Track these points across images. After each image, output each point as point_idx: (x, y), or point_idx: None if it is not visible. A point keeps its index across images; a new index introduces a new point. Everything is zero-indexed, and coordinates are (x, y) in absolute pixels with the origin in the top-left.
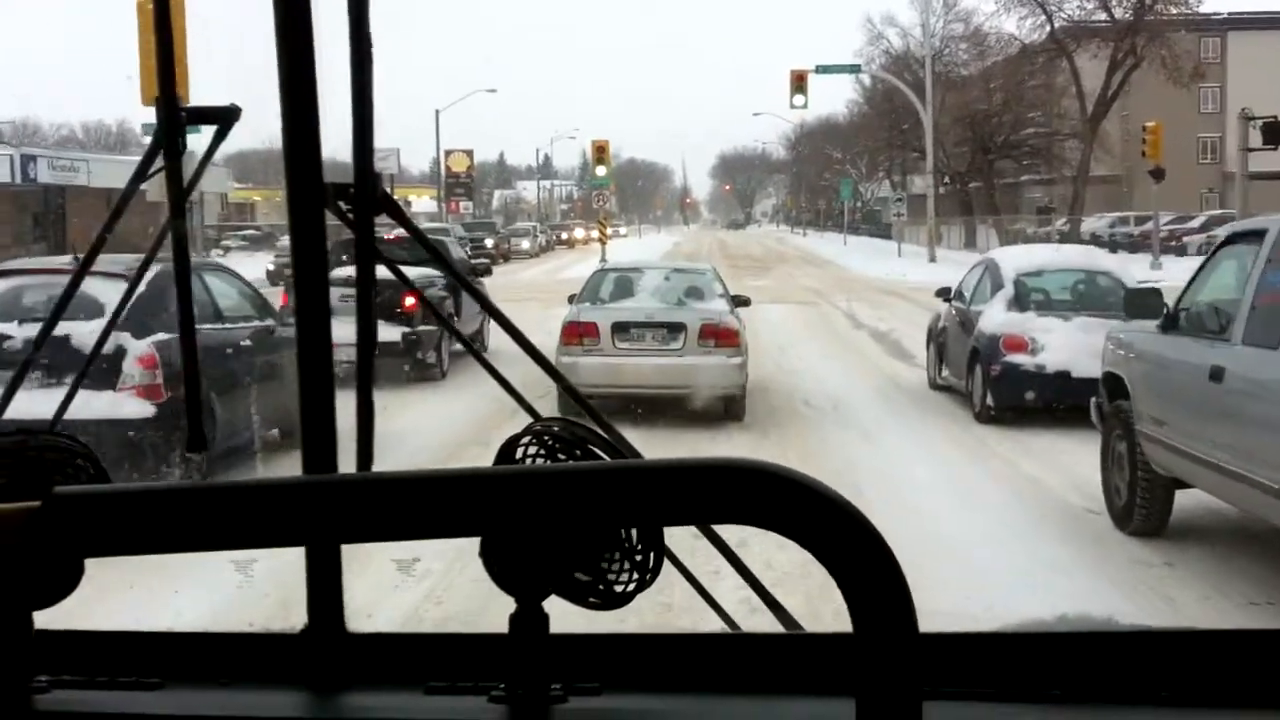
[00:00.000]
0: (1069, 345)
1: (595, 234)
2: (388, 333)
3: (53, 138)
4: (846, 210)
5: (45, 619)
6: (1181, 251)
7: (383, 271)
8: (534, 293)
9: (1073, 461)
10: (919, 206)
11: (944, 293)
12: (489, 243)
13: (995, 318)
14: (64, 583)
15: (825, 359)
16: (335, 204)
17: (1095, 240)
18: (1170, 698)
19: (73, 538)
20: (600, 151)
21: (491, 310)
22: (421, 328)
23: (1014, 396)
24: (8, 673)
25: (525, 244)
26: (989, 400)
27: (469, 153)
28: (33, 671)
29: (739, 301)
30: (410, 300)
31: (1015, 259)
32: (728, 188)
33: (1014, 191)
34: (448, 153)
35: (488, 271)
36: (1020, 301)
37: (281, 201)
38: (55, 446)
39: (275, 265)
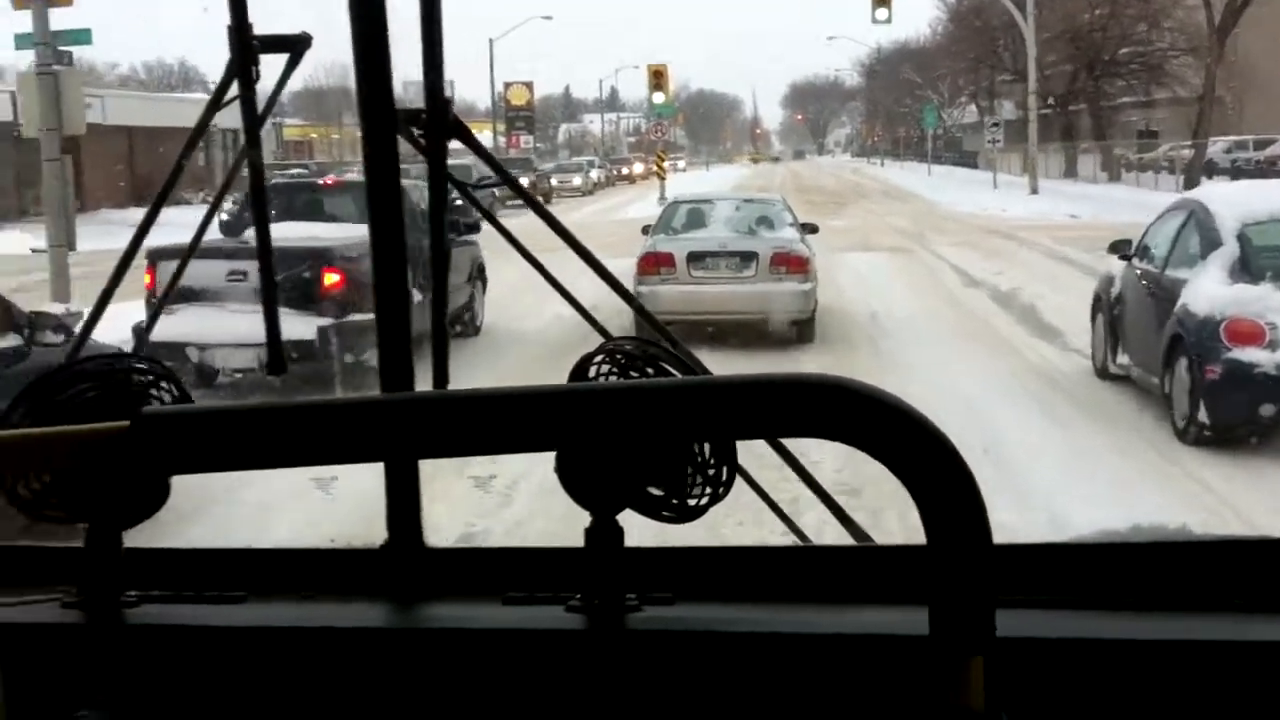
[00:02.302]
0: None
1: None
2: (297, 327)
3: (108, 77)
4: (930, 138)
5: (133, 538)
6: None
7: (283, 237)
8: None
9: None
10: (1010, 133)
11: (1121, 248)
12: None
13: (1211, 291)
14: (151, 501)
15: (939, 338)
16: (408, 130)
17: (1212, 168)
18: (1245, 605)
19: (160, 456)
20: (658, 77)
21: (565, 236)
22: (352, 317)
23: (1241, 410)
24: (99, 588)
25: (576, 180)
26: (1202, 414)
27: (529, 85)
28: (122, 587)
29: (806, 228)
30: (334, 278)
31: (1235, 201)
32: (799, 117)
33: (1109, 115)
34: (506, 85)
35: (476, 228)
36: (1249, 267)
37: (339, 138)
38: (140, 369)
39: (229, 215)
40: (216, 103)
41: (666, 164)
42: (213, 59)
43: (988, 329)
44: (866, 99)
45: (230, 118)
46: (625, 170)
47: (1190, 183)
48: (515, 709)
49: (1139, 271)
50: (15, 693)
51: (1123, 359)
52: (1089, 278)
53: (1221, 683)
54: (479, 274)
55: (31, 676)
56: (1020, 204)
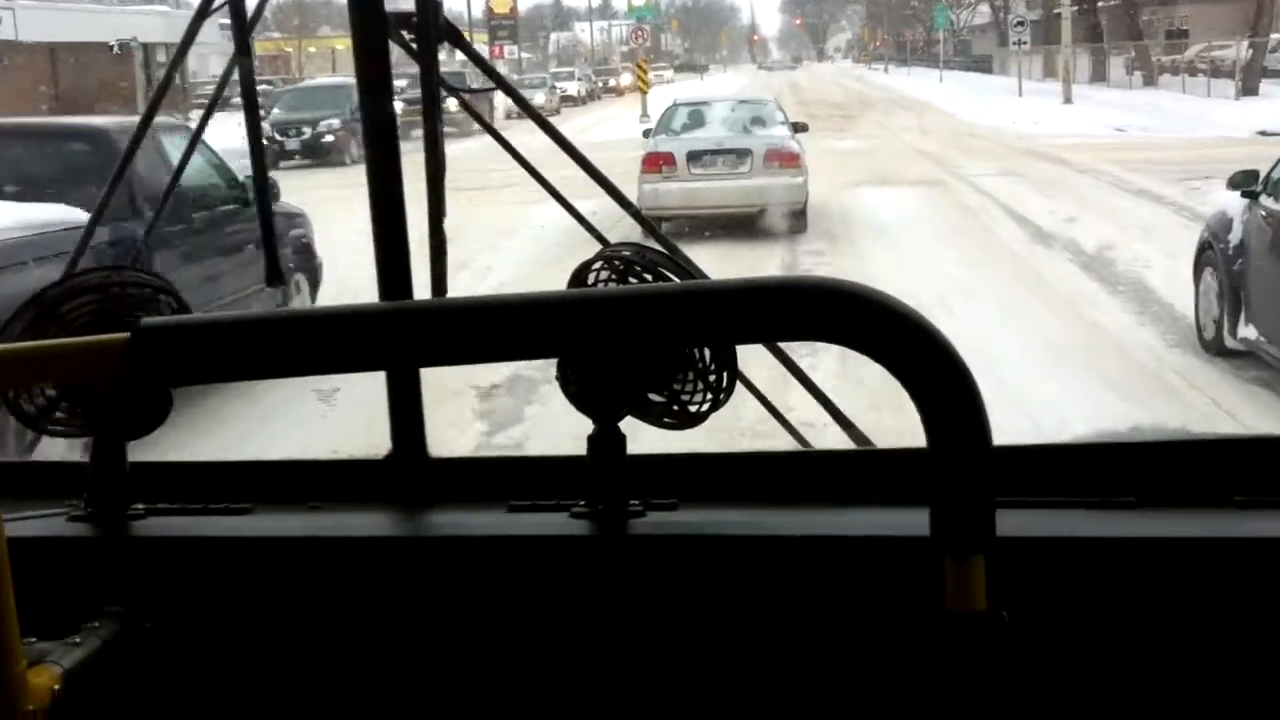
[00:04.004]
0: None
1: (655, 77)
2: None
3: None
4: (943, 41)
5: (139, 453)
6: None
7: None
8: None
9: None
10: (1030, 34)
11: (1247, 180)
12: (452, 105)
13: None
14: (154, 414)
15: (1051, 373)
16: (399, 34)
17: (1267, 72)
18: (1244, 502)
19: (162, 367)
20: None
21: (563, 143)
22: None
23: None
24: (106, 501)
25: (539, 98)
26: None
27: None
28: (129, 500)
29: (797, 128)
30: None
31: None
32: (798, 21)
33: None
34: None
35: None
36: None
37: (316, 52)
38: (138, 282)
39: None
40: (205, 10)
41: (650, 75)
42: None
43: (1114, 338)
44: (869, 0)
45: (156, 31)
46: (612, 82)
47: (1249, 88)
48: (520, 614)
49: (1269, 213)
50: (26, 606)
51: (1247, 331)
52: (1194, 225)
53: (1219, 579)
54: (306, 263)
55: (41, 589)
56: (1054, 116)
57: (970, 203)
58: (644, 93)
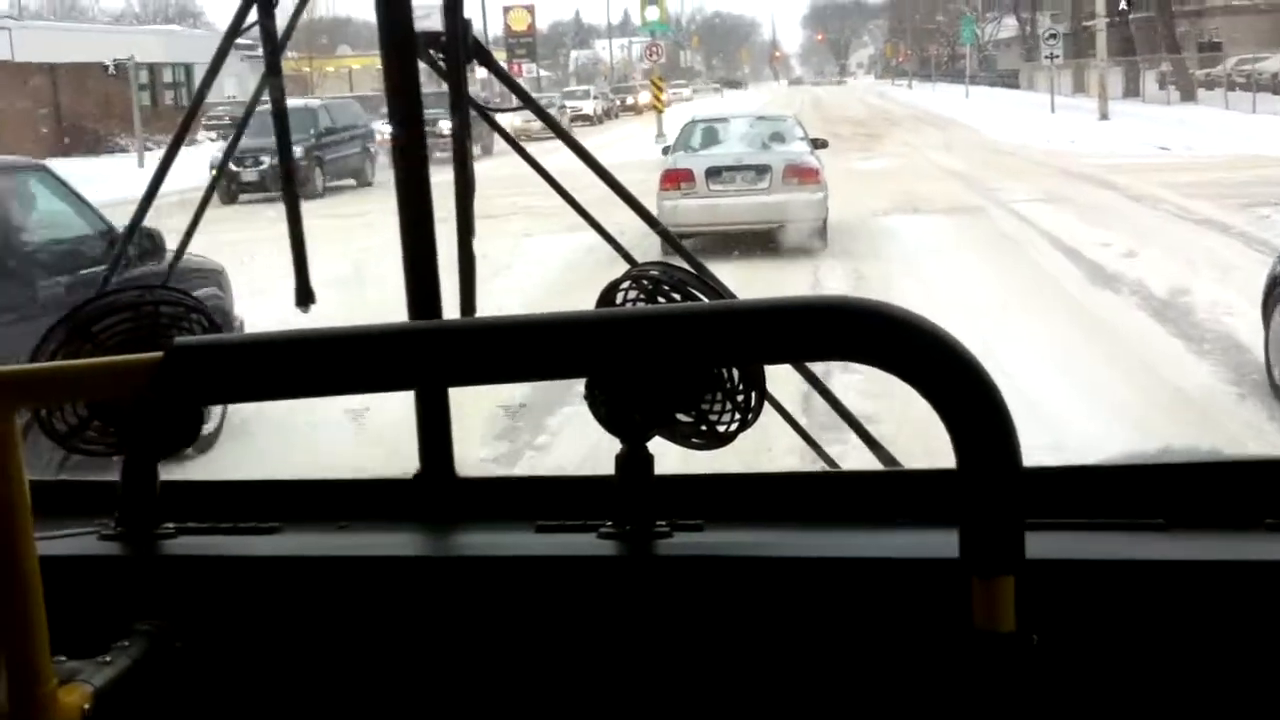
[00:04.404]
0: None
1: (673, 95)
2: None
3: (91, 10)
4: (969, 56)
5: (169, 472)
6: None
7: None
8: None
9: None
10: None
11: None
12: (444, 126)
13: None
14: (186, 433)
15: (1112, 449)
16: (428, 53)
17: None
18: (1275, 524)
19: (195, 386)
20: None
21: (590, 161)
22: None
23: None
24: (137, 520)
25: (516, 121)
26: None
27: (530, 8)
28: (159, 519)
29: (817, 144)
30: None
31: None
32: (820, 37)
33: (1150, 27)
34: (506, 9)
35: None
36: None
37: (333, 71)
38: (170, 300)
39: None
40: (236, 29)
41: (667, 94)
42: None
43: (1208, 414)
44: (892, 15)
45: (158, 51)
46: (631, 100)
47: None
48: (548, 634)
49: None
50: (57, 624)
51: None
52: (1266, 257)
53: (1249, 602)
54: (214, 329)
55: (72, 607)
56: (1091, 133)
57: (1010, 229)
58: (659, 111)
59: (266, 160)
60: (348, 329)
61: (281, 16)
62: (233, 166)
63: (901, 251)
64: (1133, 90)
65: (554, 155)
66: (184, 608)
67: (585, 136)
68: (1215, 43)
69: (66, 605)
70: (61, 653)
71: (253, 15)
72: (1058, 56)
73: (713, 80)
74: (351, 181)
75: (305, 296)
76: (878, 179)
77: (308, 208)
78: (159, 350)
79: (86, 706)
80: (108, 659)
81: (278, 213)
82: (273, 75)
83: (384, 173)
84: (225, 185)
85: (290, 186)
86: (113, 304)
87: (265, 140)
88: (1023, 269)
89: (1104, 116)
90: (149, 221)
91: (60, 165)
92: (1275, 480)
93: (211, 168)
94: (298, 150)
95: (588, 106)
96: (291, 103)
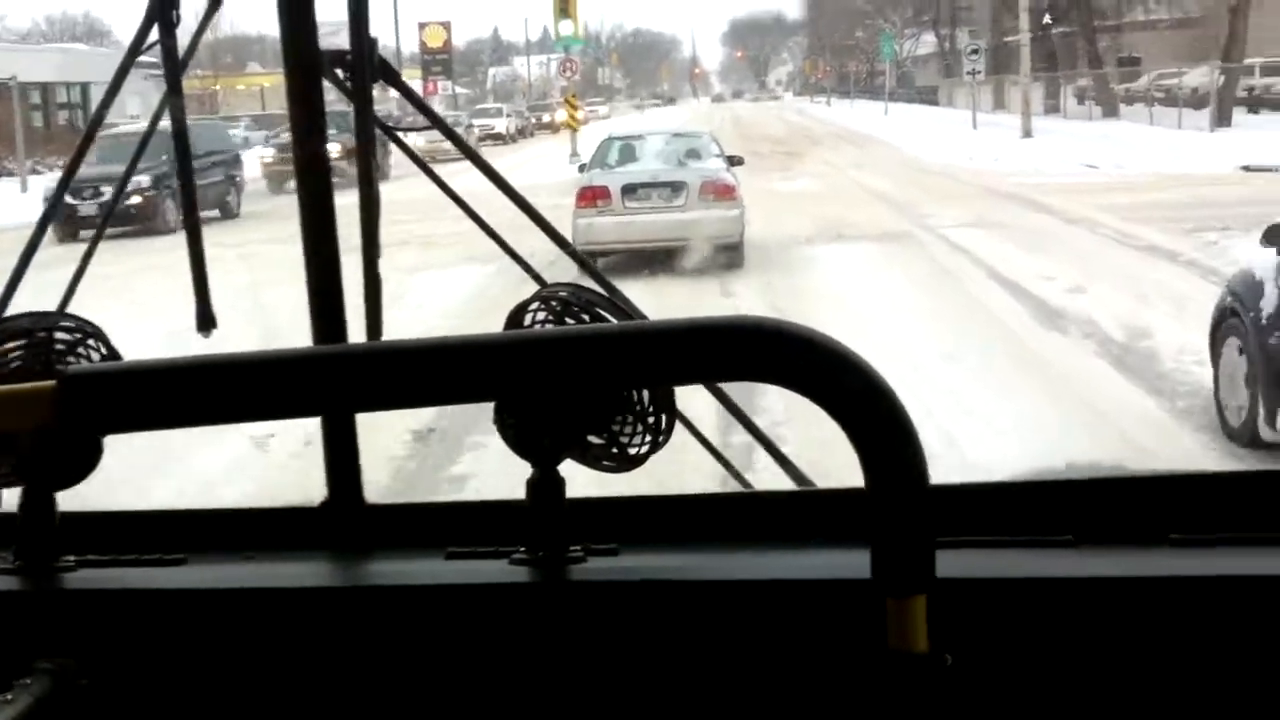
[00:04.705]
0: None
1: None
2: None
3: None
4: (889, 72)
5: (69, 502)
6: None
7: None
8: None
9: None
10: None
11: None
12: (333, 149)
13: None
14: (84, 463)
15: None
16: (332, 72)
17: (1254, 97)
18: (1181, 540)
19: (90, 415)
20: (564, 2)
21: (499, 182)
22: None
23: None
24: (35, 553)
25: (420, 142)
26: None
27: (446, 25)
28: (58, 551)
29: (733, 160)
30: None
31: None
32: (740, 54)
33: (1073, 41)
34: (421, 25)
35: None
36: None
37: (244, 89)
38: (66, 327)
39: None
40: (136, 49)
41: (583, 111)
42: (116, 11)
43: None
44: (811, 32)
45: (49, 70)
46: (547, 118)
47: (1222, 117)
48: (460, 664)
49: None
50: None
51: None
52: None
53: (1156, 618)
54: None
55: None
56: (1015, 151)
57: (948, 263)
58: (574, 130)
59: (108, 192)
60: (250, 354)
61: (184, 35)
62: (69, 199)
63: (827, 285)
64: (1054, 106)
65: (461, 177)
66: (87, 643)
67: (497, 156)
68: (1134, 57)
69: None
70: None
71: (154, 35)
72: (979, 72)
73: (638, 97)
74: (215, 213)
75: (206, 321)
76: (799, 201)
77: (158, 245)
78: (53, 378)
79: None
80: (8, 697)
81: (107, 256)
82: (174, 95)
83: (258, 202)
84: (62, 222)
85: (191, 209)
86: (5, 330)
87: (107, 168)
88: (961, 307)
89: (1027, 134)
90: None
91: None
92: (1179, 495)
93: (45, 199)
94: (144, 180)
95: (500, 125)
96: (139, 127)
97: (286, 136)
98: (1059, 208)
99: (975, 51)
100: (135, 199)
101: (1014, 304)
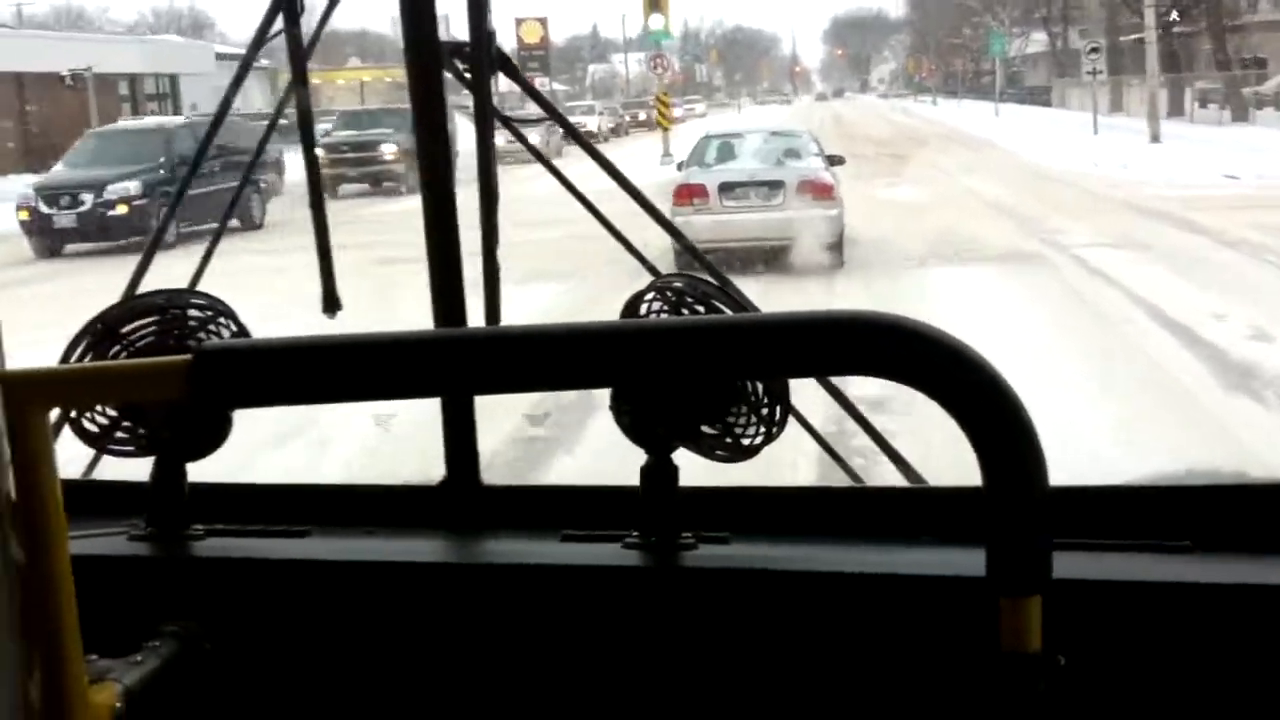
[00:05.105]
0: None
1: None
2: None
3: (99, 21)
4: (997, 71)
5: (199, 474)
6: None
7: None
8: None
9: None
10: (1079, 63)
11: None
12: (387, 151)
13: None
14: (213, 436)
15: None
16: (452, 63)
17: None
18: None
19: (222, 390)
20: None
21: (618, 177)
22: None
23: None
24: (166, 521)
25: (534, 138)
26: None
27: (543, 21)
28: (188, 520)
29: (833, 160)
30: None
31: None
32: (840, 53)
33: (1191, 42)
34: (519, 21)
35: None
36: None
37: (344, 84)
38: (199, 304)
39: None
40: (261, 38)
41: (678, 110)
42: (222, 5)
43: None
44: (914, 30)
45: (136, 62)
46: (643, 116)
47: None
48: (572, 643)
49: None
50: (88, 623)
51: None
52: None
53: (1274, 625)
54: None
55: (103, 607)
56: (1144, 157)
57: (1090, 295)
58: (665, 129)
59: (89, 200)
60: (375, 335)
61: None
62: (43, 208)
63: (948, 324)
64: (1177, 109)
65: (542, 180)
66: (213, 609)
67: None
68: (1261, 59)
69: (97, 604)
70: (92, 651)
71: (278, 24)
72: (1100, 72)
73: (754, 94)
74: (234, 223)
75: (332, 303)
76: (905, 212)
77: (159, 261)
78: (187, 353)
79: (117, 705)
80: (138, 658)
81: (77, 281)
82: (299, 84)
83: (296, 209)
84: (39, 235)
85: (318, 198)
86: (141, 306)
87: (87, 172)
88: (1121, 361)
89: (1155, 138)
90: None
91: (5, 183)
92: None
93: (18, 208)
94: (131, 186)
95: (592, 122)
96: (138, 123)
97: (338, 135)
98: (1207, 225)
99: (1095, 50)
100: (120, 207)
101: (1181, 351)
